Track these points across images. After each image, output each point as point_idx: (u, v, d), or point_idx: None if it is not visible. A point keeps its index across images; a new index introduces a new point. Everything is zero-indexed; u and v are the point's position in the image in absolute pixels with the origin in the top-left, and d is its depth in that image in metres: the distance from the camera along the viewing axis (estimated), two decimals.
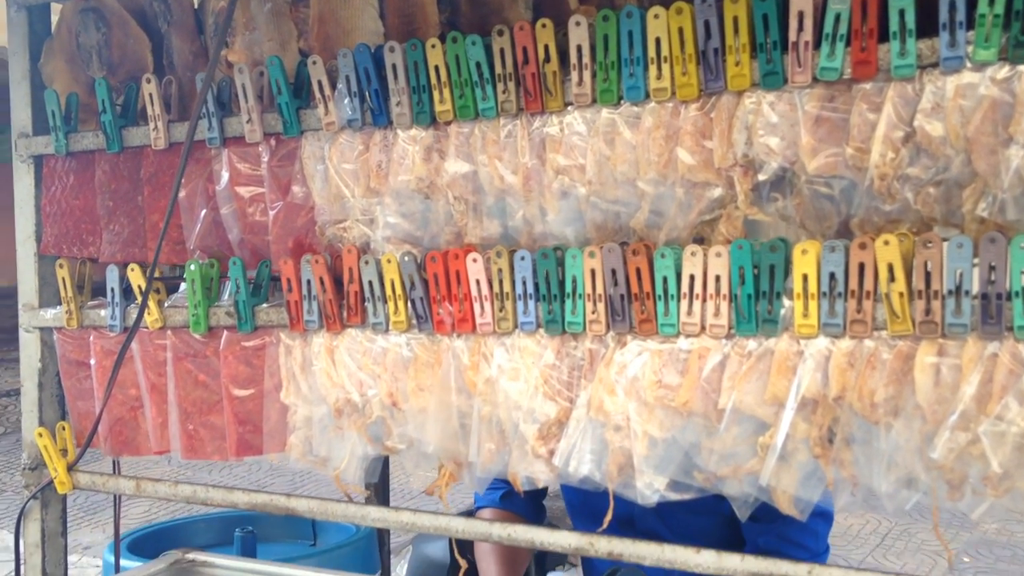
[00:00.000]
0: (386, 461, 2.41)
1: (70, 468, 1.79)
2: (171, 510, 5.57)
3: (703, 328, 1.37)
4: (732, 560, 1.37)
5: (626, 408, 1.43)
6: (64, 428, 1.81)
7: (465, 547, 2.09)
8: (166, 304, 1.73)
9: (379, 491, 2.47)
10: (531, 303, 1.48)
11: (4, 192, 2.22)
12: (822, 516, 2.14)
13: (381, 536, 2.71)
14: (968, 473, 1.22)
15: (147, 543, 2.42)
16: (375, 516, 1.65)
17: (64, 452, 1.80)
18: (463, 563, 1.91)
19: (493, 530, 1.55)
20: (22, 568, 1.77)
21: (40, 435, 1.80)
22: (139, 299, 1.71)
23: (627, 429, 1.44)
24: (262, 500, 1.70)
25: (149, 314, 1.71)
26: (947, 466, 1.22)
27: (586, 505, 2.20)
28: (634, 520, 2.18)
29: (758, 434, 1.35)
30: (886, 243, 1.23)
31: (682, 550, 1.42)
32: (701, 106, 1.36)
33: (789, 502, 1.37)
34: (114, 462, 1.86)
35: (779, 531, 2.05)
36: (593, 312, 1.44)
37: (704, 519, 2.07)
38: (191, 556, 1.64)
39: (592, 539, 1.49)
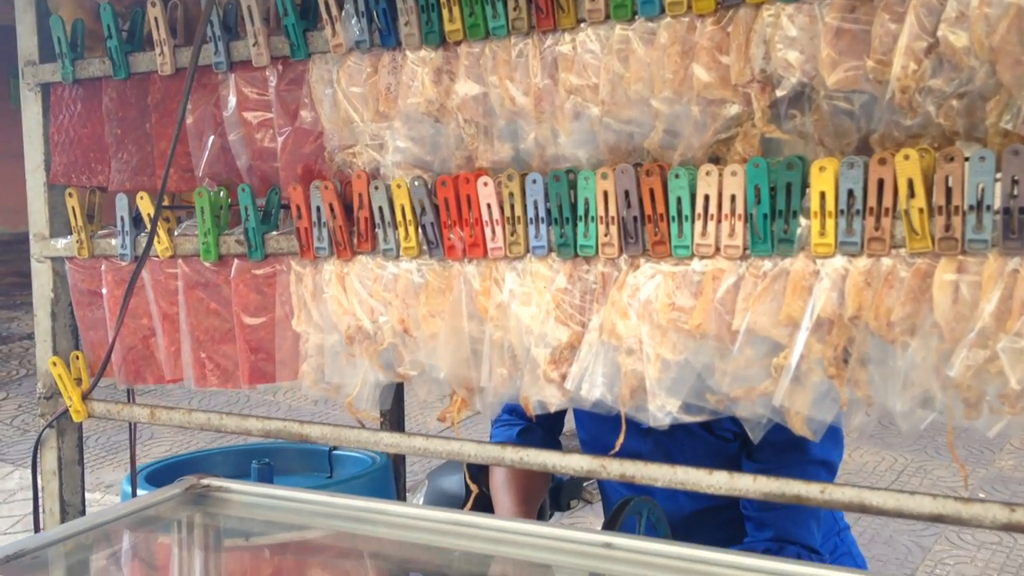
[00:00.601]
0: (401, 392, 2.43)
1: (84, 397, 1.80)
2: (191, 449, 5.65)
3: (717, 249, 1.35)
4: (744, 481, 1.37)
5: (639, 331, 1.42)
6: (78, 358, 1.82)
7: (478, 476, 2.10)
8: (176, 232, 1.72)
9: (394, 420, 2.48)
10: (543, 227, 1.46)
11: (9, 136, 2.21)
12: (824, 466, 2.13)
13: (397, 468, 2.73)
14: (985, 391, 1.20)
15: (164, 475, 2.44)
16: (388, 442, 1.65)
17: (78, 381, 1.81)
18: (475, 488, 1.92)
19: (506, 454, 1.55)
20: (39, 495, 1.79)
21: (54, 364, 1.81)
22: (148, 227, 1.70)
23: (639, 352, 1.43)
24: (276, 426, 1.71)
25: (159, 243, 1.71)
26: (964, 384, 1.21)
27: (598, 442, 2.20)
28: (642, 455, 2.17)
29: (772, 355, 1.34)
30: (906, 158, 1.20)
31: (694, 471, 1.41)
32: (718, 20, 1.32)
33: (802, 423, 1.36)
34: (128, 391, 1.87)
35: (774, 470, 2.04)
36: (606, 235, 1.42)
37: (715, 463, 2.07)
38: (206, 482, 1.65)
39: (604, 462, 1.49)
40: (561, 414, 2.33)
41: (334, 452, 2.84)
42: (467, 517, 1.54)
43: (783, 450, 2.01)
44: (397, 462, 2.73)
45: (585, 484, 2.55)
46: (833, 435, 2.08)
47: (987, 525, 1.20)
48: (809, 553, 1.88)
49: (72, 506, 1.82)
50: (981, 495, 5.30)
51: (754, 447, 2.07)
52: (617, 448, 1.48)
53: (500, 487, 2.18)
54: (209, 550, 1.65)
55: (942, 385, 1.23)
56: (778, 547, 1.87)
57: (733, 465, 2.07)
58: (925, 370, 1.24)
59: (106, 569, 1.55)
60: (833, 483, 1.32)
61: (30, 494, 1.80)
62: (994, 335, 1.17)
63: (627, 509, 2.01)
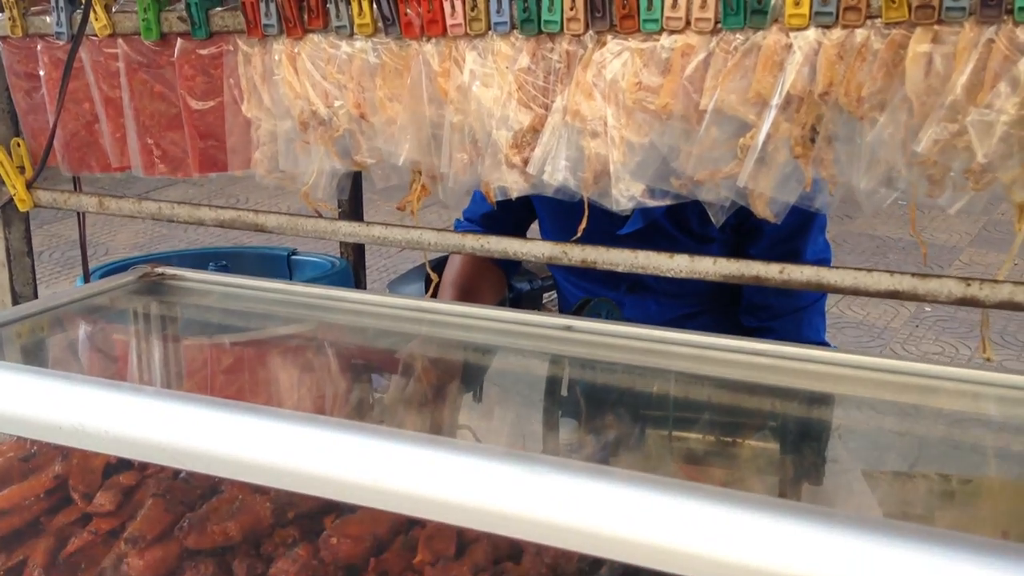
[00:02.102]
0: (359, 183, 2.38)
1: (29, 185, 1.74)
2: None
3: (688, 23, 1.29)
4: (704, 263, 1.37)
5: (604, 113, 1.38)
6: (19, 144, 1.74)
7: (438, 270, 2.10)
8: (114, 9, 1.62)
9: (352, 212, 2.45)
10: (505, 1, 1.39)
11: None
12: (815, 309, 2.15)
13: (356, 274, 2.72)
14: (951, 167, 1.19)
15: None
16: (347, 231, 1.62)
17: (21, 170, 1.74)
18: (435, 277, 1.92)
19: (466, 242, 1.54)
20: None
21: None
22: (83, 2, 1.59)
23: (604, 135, 1.39)
24: (230, 216, 1.66)
25: (96, 20, 1.60)
26: (930, 160, 1.20)
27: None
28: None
29: (739, 136, 1.31)
30: None
31: (655, 255, 1.41)
32: None
33: (765, 205, 1.35)
34: (74, 180, 1.81)
35: (777, 328, 2.06)
36: (572, 8, 1.35)
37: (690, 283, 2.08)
38: (161, 270, 1.62)
39: (566, 248, 1.49)
40: (522, 229, 2.32)
41: (293, 257, 2.83)
42: (430, 304, 1.54)
43: (778, 306, 2.03)
44: (356, 267, 2.72)
45: (544, 299, 2.56)
46: (821, 227, 2.09)
47: (943, 300, 1.22)
48: None
49: (24, 297, 1.78)
50: (927, 309, 5.48)
51: (748, 304, 2.09)
52: (580, 233, 1.47)
53: (450, 299, 2.18)
54: (166, 338, 1.64)
55: (908, 162, 1.22)
56: None
57: (720, 286, 2.08)
58: (892, 147, 1.22)
59: (56, 353, 1.53)
60: (791, 264, 1.32)
61: None
62: (963, 108, 1.15)
63: (586, 308, 2.03)
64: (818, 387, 1.30)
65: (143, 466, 1.39)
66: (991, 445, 1.28)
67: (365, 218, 2.24)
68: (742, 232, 2.07)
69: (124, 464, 1.40)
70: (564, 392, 1.38)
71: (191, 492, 1.31)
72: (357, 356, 1.51)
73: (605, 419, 1.34)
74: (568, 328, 1.43)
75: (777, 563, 0.86)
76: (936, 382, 1.31)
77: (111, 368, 1.54)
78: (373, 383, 1.46)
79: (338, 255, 2.74)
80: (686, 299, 2.18)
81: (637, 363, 1.39)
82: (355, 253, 2.71)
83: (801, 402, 1.30)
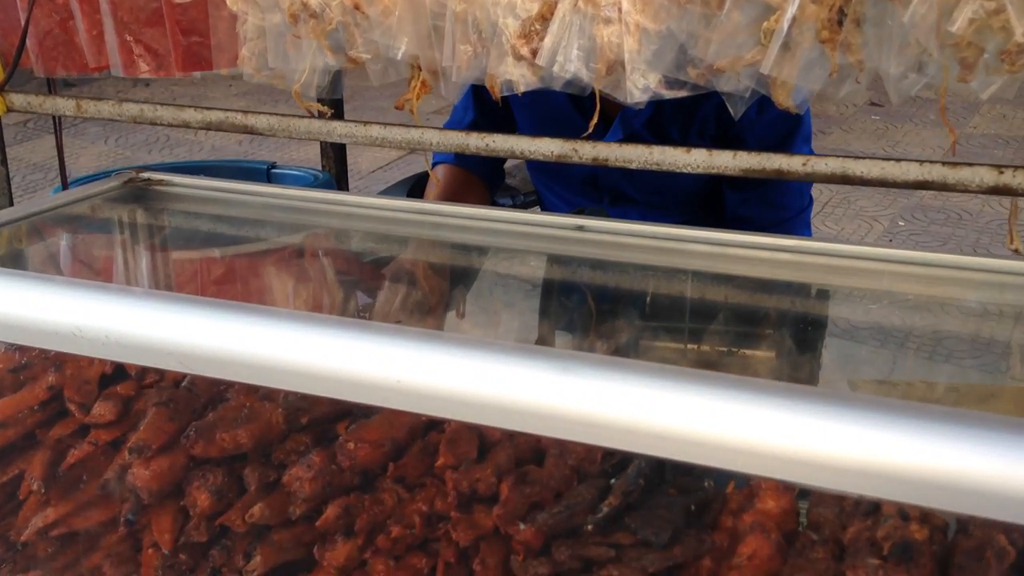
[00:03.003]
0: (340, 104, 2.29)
1: (1, 89, 1.63)
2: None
3: None
4: (723, 157, 1.32)
5: None
6: None
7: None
8: None
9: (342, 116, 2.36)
10: None
11: None
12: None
13: (339, 187, 2.64)
14: (985, 48, 1.14)
15: None
16: (342, 131, 1.55)
17: None
18: (436, 178, 1.85)
19: (470, 140, 1.47)
20: None
21: None
22: None
23: (619, 22, 1.32)
24: (217, 117, 1.58)
25: None
26: (964, 41, 1.14)
27: (548, 164, 2.13)
28: (598, 177, 2.13)
29: (762, 20, 1.25)
30: None
31: (671, 150, 1.36)
32: None
33: (787, 94, 1.29)
34: (49, 83, 1.71)
35: (761, 196, 2.02)
36: None
37: (674, 174, 2.02)
38: (146, 175, 1.54)
39: (576, 145, 1.43)
40: (500, 162, 2.25)
41: (272, 171, 2.74)
42: (431, 205, 1.48)
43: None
44: (339, 180, 2.64)
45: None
46: (805, 137, 2.05)
47: (973, 189, 1.18)
48: None
49: None
50: (901, 223, 5.51)
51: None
52: (591, 128, 1.41)
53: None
54: (156, 247, 1.57)
55: (940, 44, 1.16)
56: None
57: (699, 181, 2.04)
58: (924, 28, 1.16)
59: (38, 262, 1.46)
60: (815, 154, 1.28)
61: None
62: None
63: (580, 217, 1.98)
64: (841, 281, 1.27)
65: (141, 376, 1.34)
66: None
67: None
68: (723, 143, 2.02)
69: (121, 374, 1.34)
70: (579, 292, 1.33)
71: (195, 401, 1.26)
72: (361, 259, 1.45)
73: (618, 317, 1.30)
74: (580, 228, 1.38)
75: (794, 446, 0.84)
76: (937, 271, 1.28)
77: (99, 276, 1.47)
78: (381, 286, 1.40)
79: (320, 168, 2.65)
80: (670, 211, 2.14)
81: (653, 262, 1.34)
82: (337, 166, 2.63)
83: (827, 296, 1.27)
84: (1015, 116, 7.52)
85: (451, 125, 2.25)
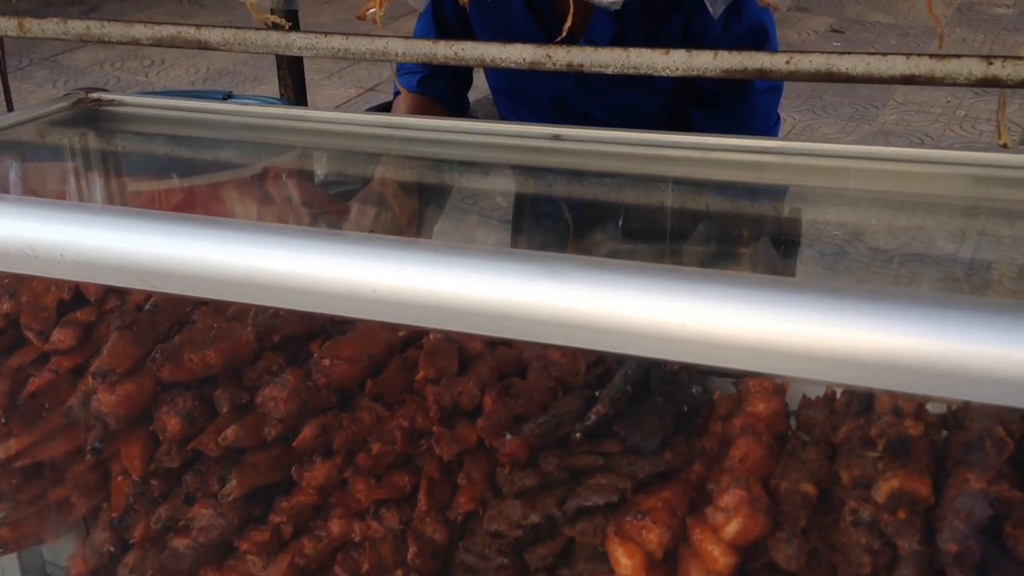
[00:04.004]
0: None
1: None
2: None
3: None
4: (703, 58, 1.27)
5: None
6: None
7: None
8: None
9: (296, 92, 2.28)
10: None
11: None
12: (771, 91, 2.07)
13: None
14: None
15: None
16: (302, 43, 1.47)
17: None
18: (405, 93, 1.79)
19: (438, 49, 1.40)
20: None
21: None
22: None
23: None
24: (168, 33, 1.49)
25: None
26: None
27: (513, 88, 2.07)
28: (565, 100, 2.07)
29: None
30: None
31: (649, 53, 1.30)
32: None
33: None
34: None
35: (727, 114, 1.98)
36: None
37: (641, 97, 1.97)
38: (97, 95, 1.46)
39: (550, 51, 1.36)
40: (464, 91, 2.18)
41: (228, 100, 2.64)
42: (400, 119, 1.41)
43: (730, 90, 1.94)
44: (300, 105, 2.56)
45: None
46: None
47: (962, 82, 1.15)
48: None
49: None
50: None
51: (699, 92, 1.99)
52: (565, 33, 1.35)
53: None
54: (111, 172, 1.50)
55: None
56: None
57: (668, 98, 1.99)
58: None
59: None
60: (799, 51, 1.23)
61: None
62: None
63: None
64: (822, 181, 1.23)
65: (101, 302, 1.28)
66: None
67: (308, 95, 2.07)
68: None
69: (80, 301, 1.28)
70: (557, 203, 1.29)
71: (159, 324, 1.20)
72: (329, 177, 1.39)
73: (595, 225, 1.26)
74: (556, 138, 1.32)
75: (784, 336, 0.81)
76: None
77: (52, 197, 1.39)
78: (350, 204, 1.35)
79: (278, 96, 2.57)
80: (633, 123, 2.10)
81: (631, 170, 1.30)
82: (296, 93, 2.54)
83: (808, 198, 1.24)
84: (974, 39, 7.52)
85: (420, 33, 2.18)
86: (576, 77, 1.90)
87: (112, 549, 1.22)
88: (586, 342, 0.90)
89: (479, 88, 2.31)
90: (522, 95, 2.04)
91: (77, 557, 1.27)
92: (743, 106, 1.99)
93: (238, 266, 0.96)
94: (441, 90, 2.06)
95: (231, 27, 1.49)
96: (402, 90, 2.05)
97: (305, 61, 2.35)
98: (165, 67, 6.79)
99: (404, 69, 2.13)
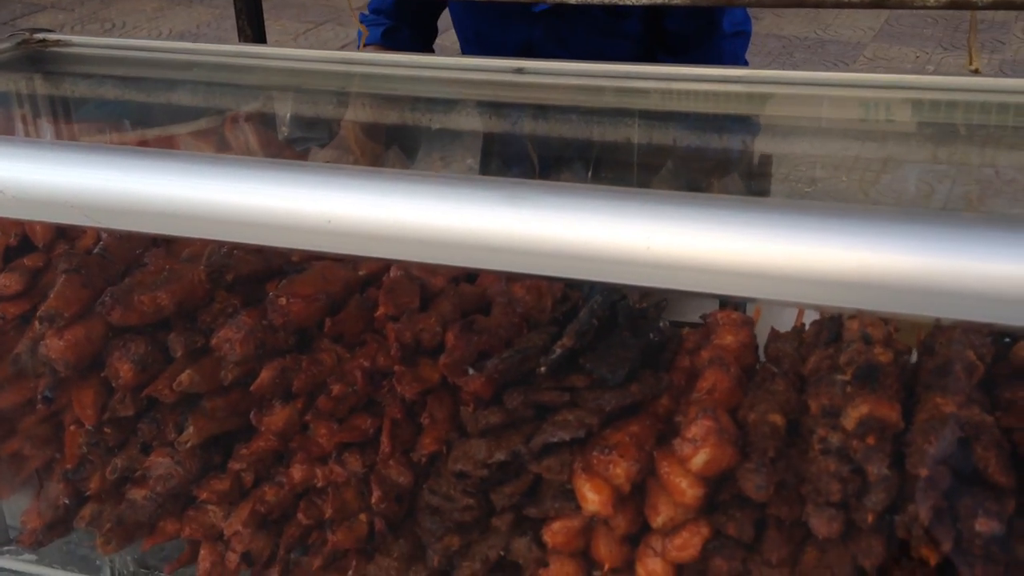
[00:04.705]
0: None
1: None
2: None
3: None
4: None
5: None
6: None
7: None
8: None
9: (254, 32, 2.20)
10: None
11: None
12: (739, 35, 2.04)
13: None
14: None
15: None
16: None
17: None
18: (365, 31, 1.74)
19: None
20: None
21: None
22: None
23: None
24: None
25: None
26: None
27: (482, 37, 2.03)
28: (534, 48, 2.02)
29: None
30: None
31: None
32: None
33: None
34: None
35: (695, 59, 1.94)
36: None
37: (609, 42, 1.93)
38: (42, 36, 1.40)
39: None
40: (435, 16, 2.13)
41: None
42: (361, 55, 1.37)
43: (698, 29, 1.90)
44: None
45: None
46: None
47: (932, 5, 1.12)
48: None
49: None
50: None
51: (667, 36, 1.95)
52: None
53: None
54: (55, 115, 1.44)
55: None
56: None
57: (636, 45, 1.95)
58: None
59: None
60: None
61: None
62: None
63: None
64: (794, 110, 1.21)
65: (49, 247, 1.23)
66: None
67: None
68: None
69: (27, 247, 1.24)
70: (521, 140, 1.25)
71: (109, 268, 1.16)
72: (288, 118, 1.34)
73: (562, 160, 1.23)
74: (519, 71, 1.29)
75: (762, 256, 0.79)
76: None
77: None
78: (310, 144, 1.30)
79: None
80: None
81: (597, 104, 1.27)
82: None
83: (777, 128, 1.21)
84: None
85: (375, 4, 2.12)
86: (545, 24, 1.86)
87: (67, 502, 1.19)
88: (552, 269, 0.87)
89: (447, 48, 2.26)
90: (491, 45, 2.00)
91: (32, 512, 1.23)
92: (711, 50, 1.96)
93: (185, 199, 0.92)
94: (405, 41, 2.01)
95: None
96: (365, 35, 2.00)
97: (269, 23, 2.27)
98: (126, 30, 6.64)
99: (368, 21, 2.08)
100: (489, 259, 0.87)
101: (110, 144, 1.33)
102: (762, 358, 1.08)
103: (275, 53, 1.36)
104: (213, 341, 1.07)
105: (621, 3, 1.24)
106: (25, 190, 0.96)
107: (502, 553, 1.02)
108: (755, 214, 0.81)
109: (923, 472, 0.85)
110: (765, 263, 0.79)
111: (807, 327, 1.09)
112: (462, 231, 0.85)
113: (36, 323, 1.09)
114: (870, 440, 0.88)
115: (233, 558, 1.12)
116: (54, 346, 1.08)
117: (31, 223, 1.23)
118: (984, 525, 0.86)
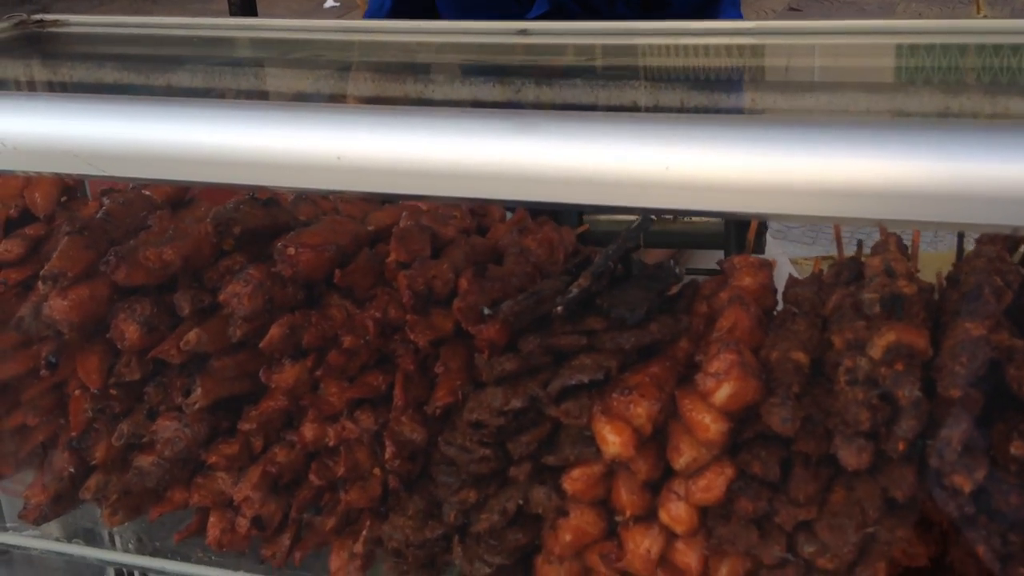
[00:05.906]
0: None
1: None
2: None
3: None
4: None
5: None
6: None
7: None
8: None
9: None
10: None
11: None
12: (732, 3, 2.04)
13: None
14: None
15: None
16: None
17: None
18: (361, 3, 1.72)
19: None
20: None
21: None
22: None
23: None
24: None
25: None
26: None
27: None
28: None
29: None
30: None
31: None
32: None
33: None
34: None
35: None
36: None
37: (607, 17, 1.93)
38: (39, 17, 1.39)
39: None
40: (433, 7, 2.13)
41: None
42: (359, 23, 1.36)
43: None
44: None
45: None
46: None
47: None
48: None
49: None
50: None
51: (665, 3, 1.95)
52: None
53: None
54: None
55: None
56: None
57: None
58: None
59: None
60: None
61: None
62: None
63: None
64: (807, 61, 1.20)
65: (50, 218, 1.21)
66: None
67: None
68: (649, 7, 1.94)
69: (28, 219, 1.22)
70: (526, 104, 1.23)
71: (113, 230, 1.14)
72: (295, 82, 1.32)
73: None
74: (523, 32, 1.27)
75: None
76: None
77: None
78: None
79: None
80: None
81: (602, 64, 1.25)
82: None
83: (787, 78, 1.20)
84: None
85: (371, 13, 2.13)
86: None
87: (73, 471, 1.16)
88: (571, 196, 0.85)
89: None
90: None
91: (36, 485, 1.20)
92: (711, 11, 1.96)
93: (190, 143, 0.91)
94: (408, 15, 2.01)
95: None
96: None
97: (261, 10, 2.28)
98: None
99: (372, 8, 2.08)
100: (506, 189, 0.85)
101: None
102: (781, 304, 1.06)
103: (274, 24, 1.36)
104: (221, 296, 1.05)
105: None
106: (22, 141, 0.94)
107: (520, 503, 0.99)
108: (774, 129, 0.80)
109: (955, 393, 0.83)
110: (788, 178, 0.77)
111: (825, 272, 1.07)
112: (480, 160, 0.84)
113: (40, 284, 1.07)
114: (899, 366, 0.86)
115: (244, 523, 1.09)
116: (58, 306, 1.06)
117: (31, 194, 1.21)
118: (1020, 448, 0.83)
